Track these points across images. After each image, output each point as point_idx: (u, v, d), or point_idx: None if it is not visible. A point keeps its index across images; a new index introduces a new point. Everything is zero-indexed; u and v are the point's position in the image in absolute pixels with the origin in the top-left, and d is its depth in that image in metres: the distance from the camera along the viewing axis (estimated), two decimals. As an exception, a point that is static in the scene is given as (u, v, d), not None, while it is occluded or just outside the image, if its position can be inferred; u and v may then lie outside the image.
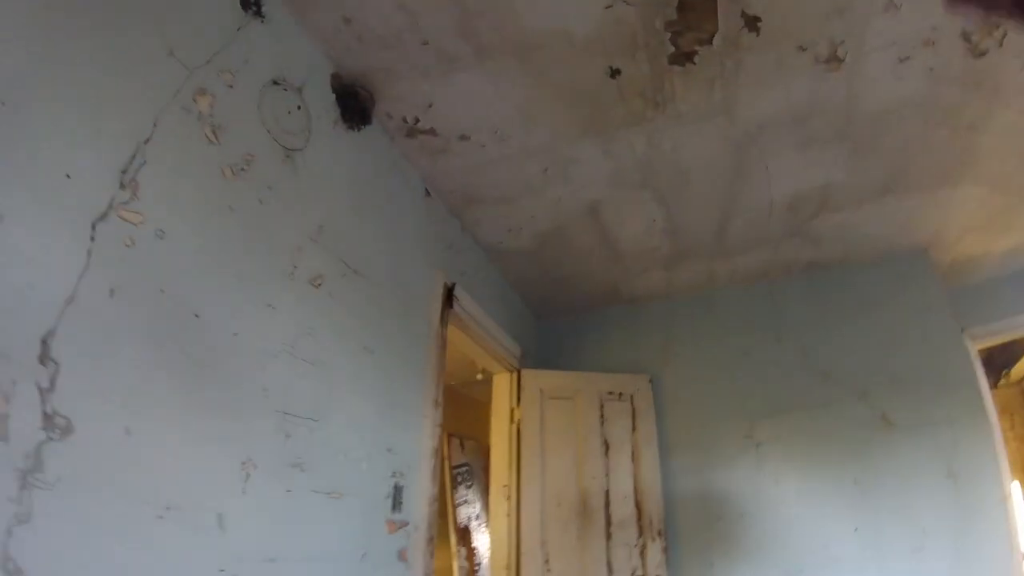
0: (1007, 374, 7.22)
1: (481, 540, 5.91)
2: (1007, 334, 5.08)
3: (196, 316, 1.52)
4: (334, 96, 2.32)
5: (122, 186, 1.36)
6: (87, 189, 1.29)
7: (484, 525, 6.00)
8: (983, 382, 4.41)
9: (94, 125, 1.33)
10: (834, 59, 2.46)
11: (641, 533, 3.79)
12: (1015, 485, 6.10)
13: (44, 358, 1.15)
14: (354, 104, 2.40)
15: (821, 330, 4.17)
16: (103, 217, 1.31)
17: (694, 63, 2.42)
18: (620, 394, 4.14)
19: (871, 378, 3.94)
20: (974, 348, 4.61)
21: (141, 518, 1.32)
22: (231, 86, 1.77)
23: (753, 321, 4.36)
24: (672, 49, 2.36)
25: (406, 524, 2.39)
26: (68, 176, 1.25)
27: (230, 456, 1.58)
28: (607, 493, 3.84)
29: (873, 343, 4.04)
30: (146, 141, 1.44)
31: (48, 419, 1.14)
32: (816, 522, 3.75)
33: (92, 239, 1.28)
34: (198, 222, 1.58)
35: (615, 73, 2.45)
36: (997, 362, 6.93)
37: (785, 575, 3.68)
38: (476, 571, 5.72)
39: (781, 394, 4.08)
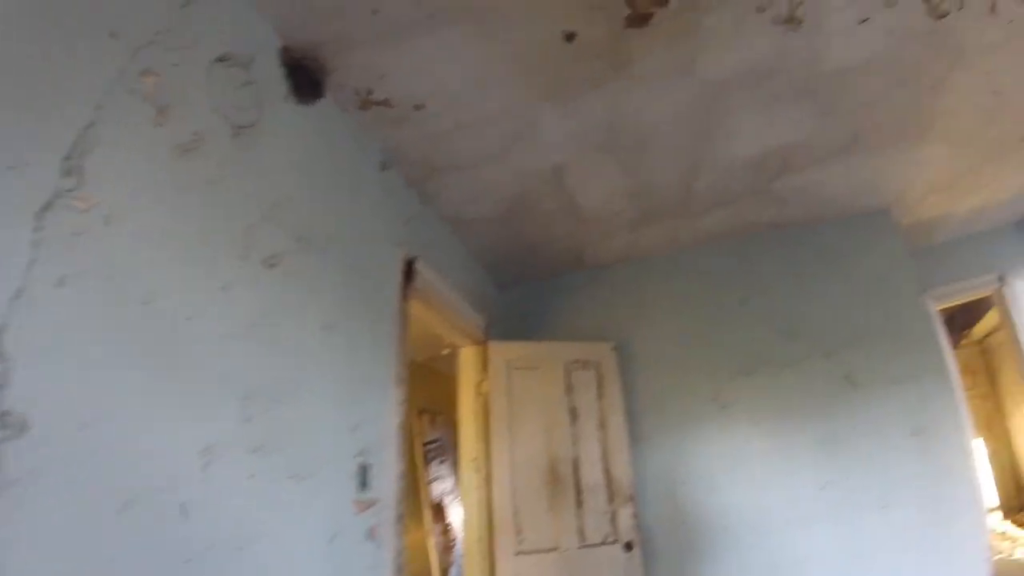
0: (968, 334, 7.44)
1: (456, 515, 5.94)
2: (966, 294, 5.21)
3: (148, 302, 1.47)
4: (284, 70, 2.25)
5: (67, 173, 1.31)
6: (31, 180, 1.24)
7: (458, 500, 6.02)
8: (944, 341, 4.52)
9: (34, 114, 1.27)
10: (793, 19, 2.45)
11: (611, 499, 3.84)
12: (977, 442, 6.37)
13: (-4, 353, 1.11)
14: (305, 77, 2.33)
15: (786, 290, 4.22)
16: (48, 206, 1.25)
17: (651, 25, 2.39)
18: (586, 362, 4.15)
19: (835, 338, 4.02)
20: (935, 308, 4.72)
21: (103, 512, 1.29)
22: (177, 64, 1.70)
23: (719, 282, 4.38)
24: (628, 11, 2.33)
25: (375, 503, 2.37)
26: (11, 167, 1.20)
27: (190, 443, 1.54)
28: (576, 461, 3.87)
29: (837, 303, 4.10)
30: (90, 126, 1.38)
31: (2, 417, 1.10)
32: (784, 480, 3.83)
33: (38, 230, 1.23)
34: (147, 205, 1.52)
35: (570, 37, 2.41)
36: (958, 322, 7.16)
37: (757, 532, 3.77)
38: (452, 546, 5.75)
39: (747, 355, 4.13)
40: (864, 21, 2.50)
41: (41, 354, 1.20)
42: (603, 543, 3.73)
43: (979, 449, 6.86)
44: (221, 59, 1.91)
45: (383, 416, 2.60)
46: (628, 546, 3.73)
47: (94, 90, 1.43)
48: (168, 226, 1.58)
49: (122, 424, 1.36)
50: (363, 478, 2.32)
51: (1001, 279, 4.95)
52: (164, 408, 1.48)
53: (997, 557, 5.00)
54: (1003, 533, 6.20)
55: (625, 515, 3.82)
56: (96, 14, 1.46)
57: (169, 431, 1.48)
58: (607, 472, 3.91)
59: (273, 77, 2.19)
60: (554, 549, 3.63)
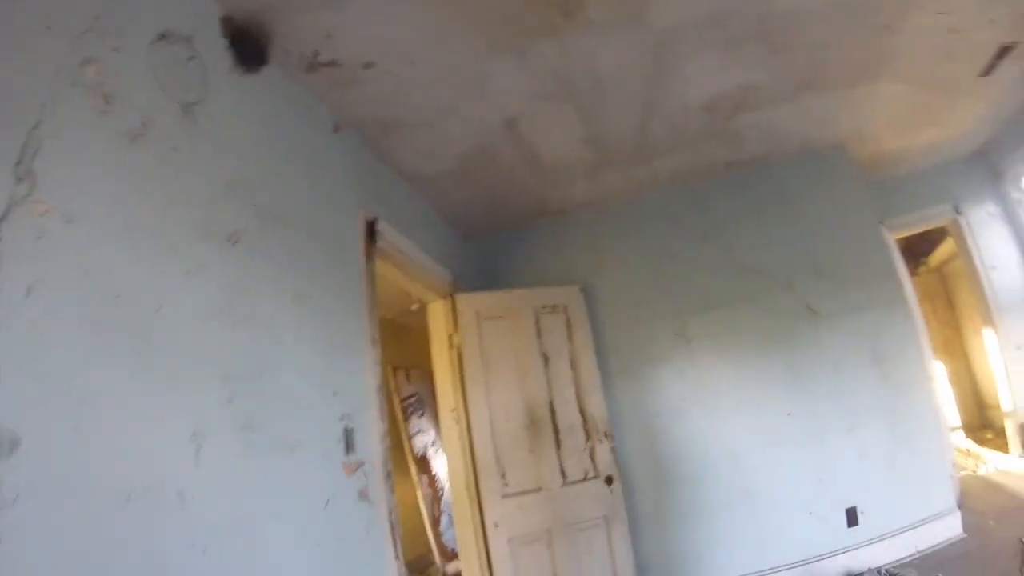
0: (926, 261, 7.64)
1: (440, 466, 6.05)
2: (923, 224, 5.44)
3: (119, 296, 1.46)
4: (227, 41, 2.17)
5: (19, 180, 1.27)
6: (-17, 192, 1.21)
7: (441, 451, 6.12)
8: (903, 270, 4.70)
9: None
10: (745, -39, 2.44)
11: (588, 437, 3.96)
12: (938, 365, 6.61)
13: (-26, 373, 1.10)
14: (249, 46, 2.25)
15: (745, 227, 4.33)
16: (5, 217, 1.22)
17: (603, -31, 2.36)
18: (554, 306, 4.22)
19: (795, 271, 4.16)
20: (893, 238, 4.88)
21: (105, 511, 1.31)
22: (117, 49, 1.65)
23: (678, 222, 4.47)
24: (578, -44, 2.29)
25: (362, 464, 2.43)
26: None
27: (179, 430, 1.56)
28: (551, 403, 3.98)
29: (796, 237, 4.23)
30: (36, 127, 1.34)
31: None
32: (753, 408, 4.01)
33: (-1, 240, 1.20)
34: (104, 199, 1.49)
35: (522, -16, 2.37)
36: (917, 250, 7.36)
37: (729, 459, 3.96)
38: (440, 496, 5.88)
39: (709, 291, 4.25)
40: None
41: (20, 365, 1.19)
42: (584, 479, 3.87)
43: (940, 372, 7.12)
44: (162, 37, 1.85)
45: (361, 379, 2.63)
46: (608, 480, 3.88)
47: (37, 89, 1.38)
48: (127, 217, 1.56)
49: (110, 422, 1.37)
50: (349, 441, 2.37)
51: (956, 209, 5.13)
52: (149, 399, 1.49)
53: (962, 473, 5.30)
54: (967, 451, 6.49)
55: (603, 451, 3.95)
56: (28, 8, 1.40)
57: (157, 421, 1.50)
58: (582, 411, 4.03)
59: (216, 49, 2.12)
60: (538, 489, 3.77)
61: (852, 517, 3.75)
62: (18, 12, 1.38)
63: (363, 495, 2.38)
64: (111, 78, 1.60)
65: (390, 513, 2.52)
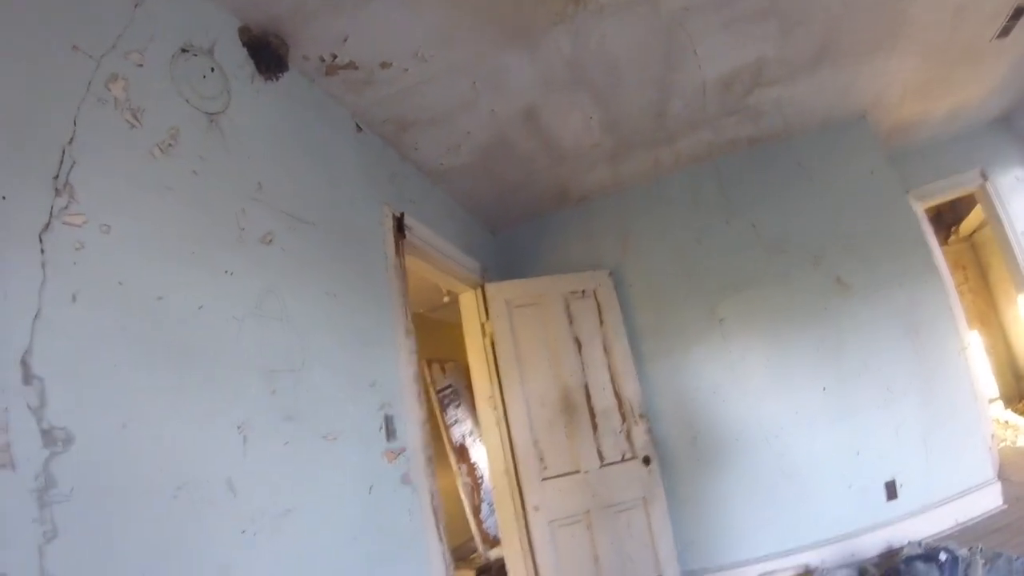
0: (956, 230, 7.42)
1: (478, 455, 6.13)
2: (950, 192, 5.28)
3: (159, 299, 1.55)
4: (246, 50, 2.25)
5: (57, 192, 1.36)
6: (25, 205, 1.29)
7: (478, 439, 6.21)
8: (932, 240, 4.61)
9: (16, 141, 1.32)
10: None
11: (624, 419, 4.00)
12: (973, 335, 6.47)
13: (28, 377, 1.19)
14: (267, 54, 2.33)
15: (769, 204, 4.29)
16: (47, 228, 1.31)
17: (611, -48, 2.38)
18: (583, 292, 4.25)
19: (823, 245, 4.11)
20: (920, 208, 4.79)
21: (157, 503, 1.40)
22: (141, 65, 1.73)
23: (703, 202, 4.45)
24: (587, -59, 2.32)
25: (404, 450, 2.51)
26: (4, 198, 1.25)
27: (225, 423, 1.65)
28: (586, 387, 4.02)
29: (821, 211, 4.18)
30: (70, 142, 1.43)
31: (47, 435, 1.19)
32: (785, 387, 3.99)
33: (42, 252, 1.29)
34: (138, 209, 1.58)
35: (530, -26, 2.41)
36: (946, 219, 7.16)
37: (765, 436, 3.95)
38: (479, 484, 5.96)
39: (738, 270, 4.23)
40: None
41: (70, 368, 1.28)
42: (622, 460, 3.91)
43: (975, 342, 6.93)
44: (183, 50, 1.93)
45: (397, 368, 2.70)
46: (646, 460, 3.91)
47: (68, 106, 1.46)
48: (161, 224, 1.64)
49: (159, 417, 1.45)
50: (389, 428, 2.45)
51: (984, 175, 4.99)
52: (193, 394, 1.57)
53: (1001, 445, 5.22)
54: (1005, 422, 6.36)
55: (639, 432, 3.98)
56: (54, 31, 1.49)
57: (204, 415, 1.59)
58: (617, 394, 4.06)
59: (236, 59, 2.20)
60: (577, 471, 3.81)
61: (891, 491, 3.72)
62: (46, 33, 1.46)
63: (405, 480, 2.46)
64: (137, 93, 1.68)
65: (432, 497, 2.60)
